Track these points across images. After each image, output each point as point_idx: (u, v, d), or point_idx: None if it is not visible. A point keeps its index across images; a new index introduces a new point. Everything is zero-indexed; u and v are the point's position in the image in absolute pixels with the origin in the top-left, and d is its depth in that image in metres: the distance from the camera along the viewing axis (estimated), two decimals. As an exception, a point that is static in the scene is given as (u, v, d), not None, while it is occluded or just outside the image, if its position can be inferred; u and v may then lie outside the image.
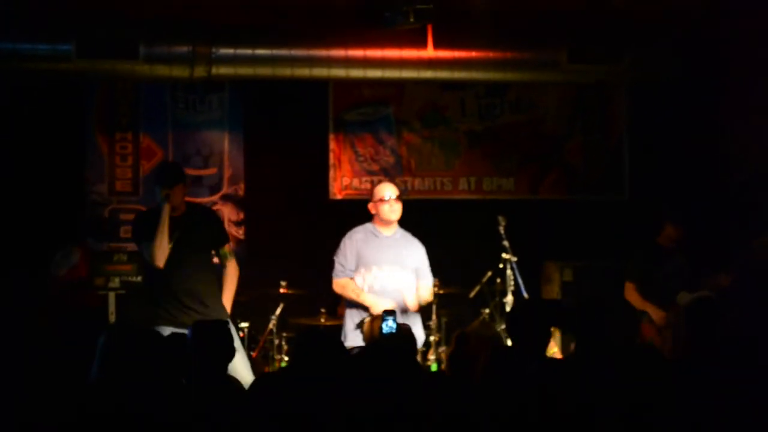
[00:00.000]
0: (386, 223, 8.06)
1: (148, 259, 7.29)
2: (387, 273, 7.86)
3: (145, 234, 7.30)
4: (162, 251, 7.21)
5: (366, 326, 6.42)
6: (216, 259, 7.67)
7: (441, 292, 8.79)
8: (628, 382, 4.83)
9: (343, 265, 8.02)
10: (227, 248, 7.67)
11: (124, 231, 10.56)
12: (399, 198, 7.97)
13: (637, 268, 8.69)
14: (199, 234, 7.46)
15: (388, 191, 7.99)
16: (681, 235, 8.60)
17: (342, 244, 8.06)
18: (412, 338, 5.80)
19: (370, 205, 8.09)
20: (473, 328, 6.39)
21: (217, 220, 7.95)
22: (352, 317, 7.89)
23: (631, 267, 8.75)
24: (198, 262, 7.44)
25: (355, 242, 8.03)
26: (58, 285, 9.21)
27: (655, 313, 8.35)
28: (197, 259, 7.43)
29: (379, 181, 10.57)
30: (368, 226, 8.12)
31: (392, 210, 7.96)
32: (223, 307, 7.48)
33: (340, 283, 7.96)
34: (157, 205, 7.39)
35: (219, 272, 7.70)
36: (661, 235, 8.72)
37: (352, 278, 7.97)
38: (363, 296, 7.80)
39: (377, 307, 7.50)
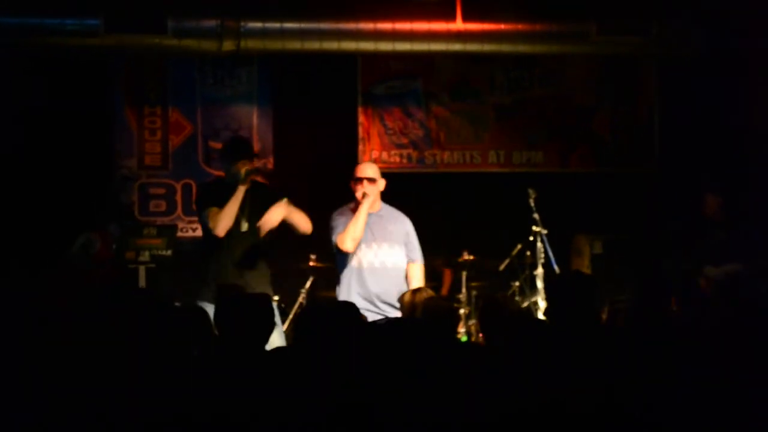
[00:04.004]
0: None
1: (210, 228, 7.15)
2: (376, 250, 7.73)
3: (209, 203, 7.21)
4: (229, 221, 7.09)
5: (407, 297, 6.36)
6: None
7: (471, 258, 8.76)
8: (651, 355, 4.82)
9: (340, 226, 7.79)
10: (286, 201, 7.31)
11: (154, 205, 10.62)
12: (375, 181, 7.72)
13: (679, 234, 8.53)
14: (261, 212, 7.34)
15: (360, 171, 7.68)
16: (720, 206, 8.47)
17: (334, 220, 7.81)
18: (454, 314, 5.81)
19: (351, 183, 7.83)
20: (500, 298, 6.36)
21: (279, 195, 7.42)
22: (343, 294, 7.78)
23: (672, 232, 8.60)
24: (254, 241, 7.33)
25: (345, 219, 7.78)
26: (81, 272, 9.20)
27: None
28: (254, 237, 7.31)
29: (408, 155, 10.59)
30: (351, 205, 7.87)
31: (362, 191, 7.70)
32: (267, 287, 7.38)
33: (341, 233, 7.72)
34: (221, 178, 7.36)
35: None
36: (703, 207, 8.57)
37: None
38: (361, 209, 7.50)
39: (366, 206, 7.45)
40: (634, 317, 5.64)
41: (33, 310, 5.39)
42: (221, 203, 7.12)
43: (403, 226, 7.74)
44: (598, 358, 4.99)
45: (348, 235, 7.50)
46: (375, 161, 10.69)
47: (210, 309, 6.09)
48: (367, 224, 7.55)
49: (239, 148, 7.40)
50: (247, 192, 7.17)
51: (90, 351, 4.86)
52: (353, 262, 7.63)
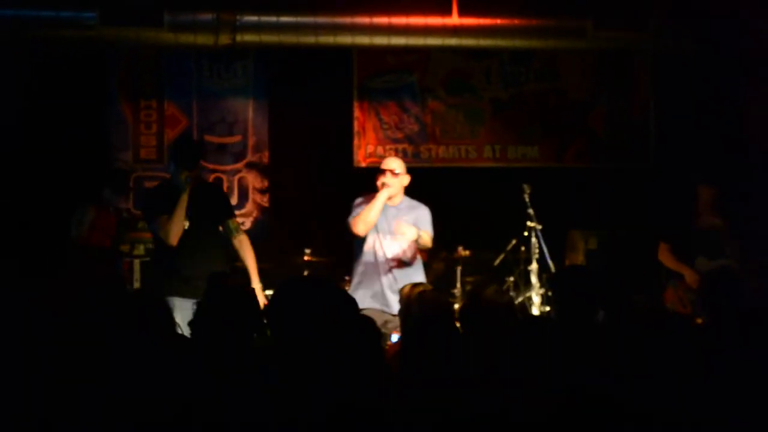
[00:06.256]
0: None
1: (162, 237, 7.12)
2: (389, 243, 7.80)
3: (158, 211, 7.16)
4: (178, 229, 7.05)
5: (405, 290, 6.40)
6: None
7: (466, 253, 8.76)
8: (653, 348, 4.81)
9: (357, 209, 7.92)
10: (234, 222, 7.41)
11: (149, 198, 10.61)
12: (398, 174, 7.80)
13: (673, 229, 8.51)
14: (207, 210, 7.30)
15: (388, 164, 7.86)
16: (714, 201, 8.43)
17: (354, 205, 7.95)
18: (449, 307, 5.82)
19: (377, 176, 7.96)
20: (487, 293, 6.35)
21: (222, 194, 7.71)
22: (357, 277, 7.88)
23: (666, 228, 8.57)
24: (207, 239, 7.29)
25: (365, 204, 7.94)
26: (80, 249, 9.14)
27: (691, 276, 8.15)
28: (206, 235, 7.27)
29: (403, 149, 10.60)
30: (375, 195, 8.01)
31: (383, 180, 7.82)
32: None
33: (356, 216, 7.74)
34: (167, 181, 7.35)
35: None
36: (697, 202, 8.54)
37: None
38: (378, 196, 7.63)
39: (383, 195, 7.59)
40: (628, 313, 5.65)
41: (32, 308, 5.38)
42: (170, 209, 7.07)
43: (418, 216, 7.80)
44: (590, 354, 5.01)
45: (361, 219, 7.66)
46: (370, 155, 10.73)
47: (178, 302, 6.25)
48: (385, 216, 7.64)
49: (183, 154, 7.32)
50: (192, 192, 7.14)
51: (87, 350, 4.86)
52: (367, 255, 7.72)
